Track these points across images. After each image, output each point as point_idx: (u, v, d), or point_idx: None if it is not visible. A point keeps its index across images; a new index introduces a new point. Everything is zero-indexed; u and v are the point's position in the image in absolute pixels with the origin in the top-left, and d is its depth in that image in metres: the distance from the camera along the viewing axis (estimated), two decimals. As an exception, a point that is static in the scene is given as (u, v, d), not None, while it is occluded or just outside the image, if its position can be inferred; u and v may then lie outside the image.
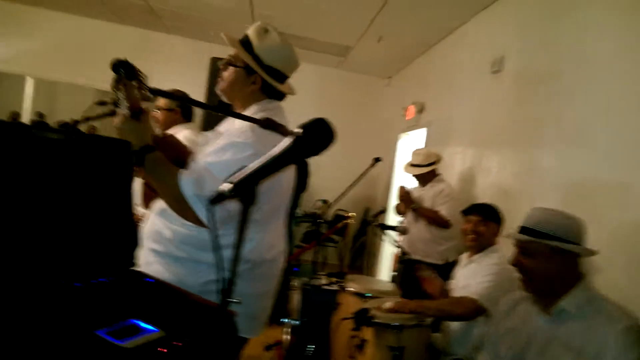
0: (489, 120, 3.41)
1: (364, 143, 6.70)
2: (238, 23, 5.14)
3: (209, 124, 2.50)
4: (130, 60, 1.22)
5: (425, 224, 3.32)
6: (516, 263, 1.53)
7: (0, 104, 8.98)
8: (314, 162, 5.63)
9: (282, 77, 1.49)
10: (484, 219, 2.28)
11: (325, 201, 6.25)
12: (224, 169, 1.20)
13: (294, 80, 1.55)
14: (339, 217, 5.61)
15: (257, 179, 0.77)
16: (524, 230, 1.51)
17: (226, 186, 0.76)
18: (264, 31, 1.44)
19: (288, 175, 1.48)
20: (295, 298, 2.80)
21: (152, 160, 1.23)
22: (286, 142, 0.78)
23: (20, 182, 0.69)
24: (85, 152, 0.79)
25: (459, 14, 3.98)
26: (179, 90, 2.83)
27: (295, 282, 2.93)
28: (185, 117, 2.82)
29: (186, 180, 1.21)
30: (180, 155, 1.46)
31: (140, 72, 1.22)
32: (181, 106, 2.68)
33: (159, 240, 1.39)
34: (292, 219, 5.22)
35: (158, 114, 2.76)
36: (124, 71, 1.19)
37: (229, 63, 1.46)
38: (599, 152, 2.18)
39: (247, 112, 1.44)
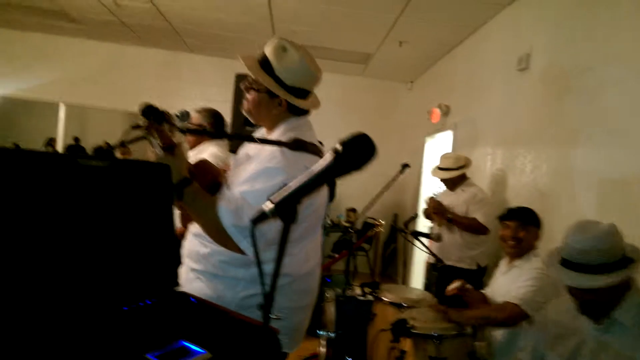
0: (518, 119, 3.33)
1: (390, 149, 6.65)
2: (259, 37, 5.21)
3: (236, 141, 2.53)
4: (158, 105, 1.29)
5: (457, 228, 3.26)
6: (579, 303, 1.44)
7: (35, 130, 9.39)
8: (340, 170, 5.63)
9: (306, 94, 1.47)
10: (523, 224, 2.21)
11: (354, 210, 6.22)
12: (259, 196, 1.23)
13: (316, 90, 1.54)
14: (368, 225, 5.57)
15: (298, 197, 0.76)
16: (569, 264, 1.41)
17: (268, 206, 0.77)
18: (282, 50, 1.40)
19: (322, 191, 1.48)
20: (330, 310, 2.79)
21: (191, 193, 1.27)
22: (326, 159, 0.77)
23: (69, 210, 0.71)
24: (127, 177, 0.82)
25: (482, 12, 3.92)
26: (206, 108, 2.88)
27: (329, 294, 2.91)
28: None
29: (225, 211, 1.24)
30: (215, 179, 1.49)
31: (168, 113, 1.28)
32: (211, 124, 2.71)
33: (197, 259, 1.43)
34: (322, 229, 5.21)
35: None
36: (153, 116, 1.25)
37: (251, 87, 1.45)
38: (635, 149, 2.09)
39: (276, 132, 1.45)
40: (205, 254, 1.40)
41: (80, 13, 5.06)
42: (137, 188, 0.81)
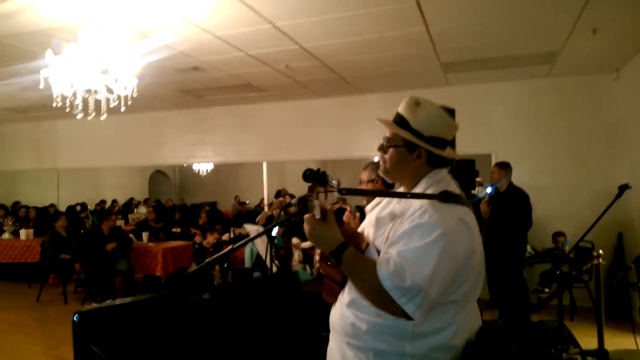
0: None
1: (597, 154, 5.55)
2: (424, 64, 5.04)
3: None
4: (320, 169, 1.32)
5: None
6: None
7: (246, 186, 11.09)
8: (535, 190, 4.87)
9: (444, 144, 1.42)
10: None
11: (561, 233, 5.30)
12: (418, 255, 1.21)
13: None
14: (581, 251, 4.65)
15: None
16: None
17: None
18: (415, 105, 1.40)
19: (478, 244, 1.34)
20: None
21: (349, 257, 1.26)
22: None
23: (190, 345, 0.69)
24: (230, 302, 0.77)
25: None
26: (374, 162, 2.84)
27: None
28: (388, 187, 2.78)
29: (385, 274, 1.21)
30: (358, 245, 1.42)
31: (330, 176, 1.31)
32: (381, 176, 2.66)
33: (355, 335, 1.34)
34: (523, 262, 4.55)
35: (362, 186, 2.83)
36: (318, 179, 1.29)
37: (389, 144, 1.43)
38: None
39: (418, 188, 1.40)
40: (363, 327, 1.31)
41: (262, 81, 5.77)
42: (255, 306, 0.76)
